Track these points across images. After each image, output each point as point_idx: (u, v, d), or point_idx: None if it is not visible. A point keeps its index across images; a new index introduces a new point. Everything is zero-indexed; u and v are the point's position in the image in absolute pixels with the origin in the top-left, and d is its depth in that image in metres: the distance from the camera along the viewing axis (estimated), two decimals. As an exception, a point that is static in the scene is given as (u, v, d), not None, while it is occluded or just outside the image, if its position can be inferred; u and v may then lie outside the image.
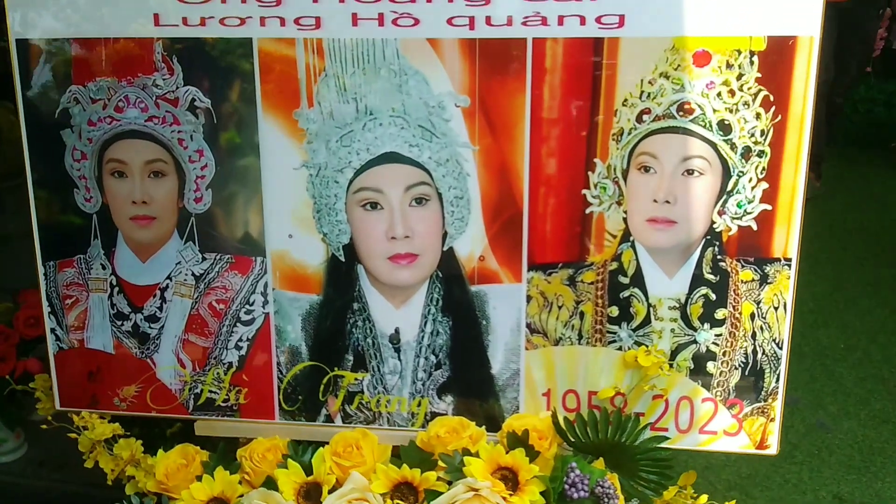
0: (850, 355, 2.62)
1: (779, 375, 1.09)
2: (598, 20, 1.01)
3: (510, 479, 1.07)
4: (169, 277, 1.18)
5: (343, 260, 1.15)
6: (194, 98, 1.11)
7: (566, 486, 1.04)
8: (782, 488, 2.08)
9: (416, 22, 1.04)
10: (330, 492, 1.08)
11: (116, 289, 1.20)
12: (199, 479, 1.13)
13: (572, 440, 1.10)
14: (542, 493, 1.05)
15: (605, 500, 1.03)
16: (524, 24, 1.02)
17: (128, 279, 1.20)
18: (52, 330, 1.22)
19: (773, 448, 1.13)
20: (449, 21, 1.03)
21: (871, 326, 2.76)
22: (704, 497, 1.14)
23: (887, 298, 2.93)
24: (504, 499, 1.04)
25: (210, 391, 1.21)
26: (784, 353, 1.09)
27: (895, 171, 4.25)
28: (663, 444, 1.09)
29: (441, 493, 1.05)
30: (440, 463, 1.08)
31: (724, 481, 2.10)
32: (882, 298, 2.92)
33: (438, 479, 1.07)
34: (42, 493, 2.11)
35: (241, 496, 1.10)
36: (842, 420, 2.33)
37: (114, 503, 1.20)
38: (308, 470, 1.11)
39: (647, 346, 1.11)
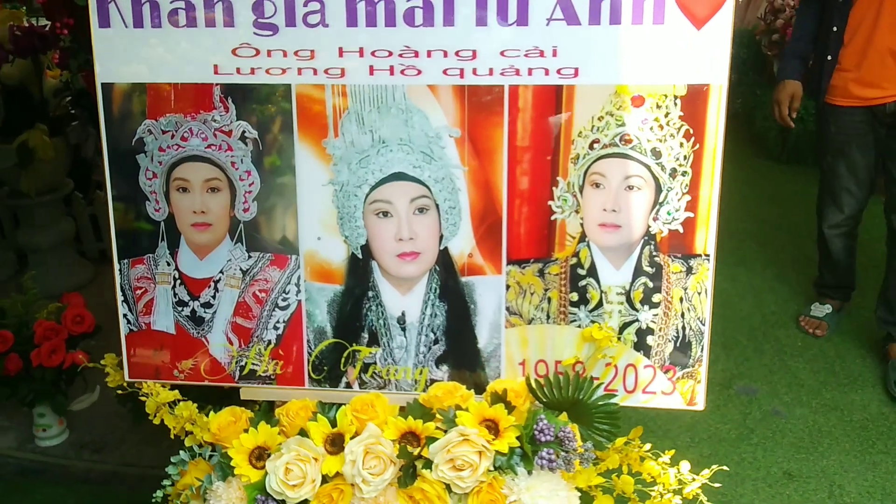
0: (806, 352, 2.86)
1: (703, 346, 1.38)
2: (558, 72, 1.30)
3: (493, 427, 1.33)
4: (221, 272, 1.46)
5: (360, 257, 1.43)
6: (245, 130, 1.40)
7: (535, 432, 1.31)
8: (739, 465, 2.34)
9: (419, 72, 1.33)
10: (351, 439, 1.36)
11: (178, 281, 1.47)
12: (245, 431, 1.41)
13: (542, 398, 1.37)
14: (517, 438, 1.33)
15: (566, 442, 1.31)
16: (502, 74, 1.31)
17: (188, 273, 1.47)
18: (125, 315, 1.50)
19: (700, 404, 1.41)
20: (444, 72, 1.32)
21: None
22: (647, 445, 1.42)
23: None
24: (488, 442, 1.32)
25: (253, 364, 1.49)
26: (706, 329, 1.37)
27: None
28: (613, 401, 1.37)
29: (438, 439, 1.33)
30: (437, 416, 1.36)
31: (688, 460, 2.37)
32: (840, 302, 3.19)
33: (437, 428, 1.34)
34: (82, 472, 2.36)
35: (281, 444, 1.38)
36: (795, 408, 2.58)
37: (169, 468, 1.46)
38: (333, 423, 1.38)
39: (600, 324, 1.39)
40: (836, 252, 2.82)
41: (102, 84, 1.41)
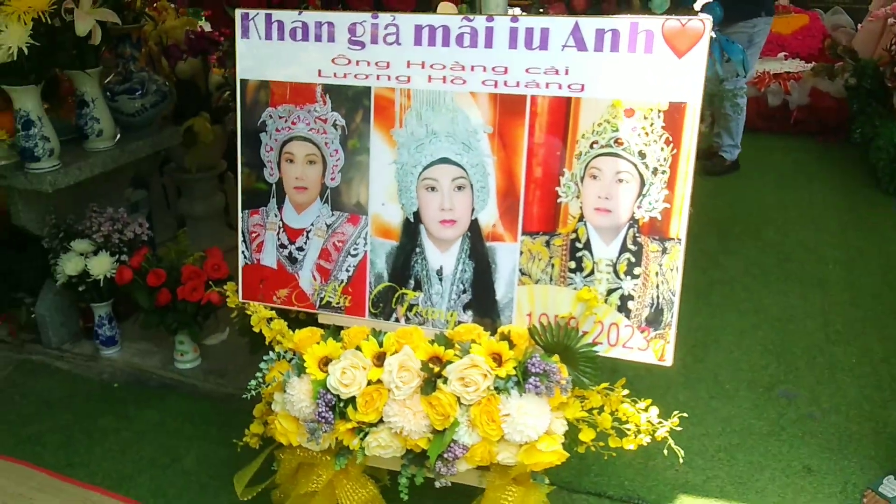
0: (859, 369, 2.92)
1: (673, 313, 1.69)
2: (569, 86, 1.67)
3: (497, 359, 1.72)
4: (312, 224, 1.92)
5: (412, 221, 1.84)
6: (336, 119, 1.86)
7: (529, 365, 1.68)
8: (763, 456, 2.53)
9: (464, 82, 1.73)
10: (391, 356, 1.78)
11: (281, 229, 1.96)
12: (318, 344, 1.87)
13: (538, 341, 1.74)
14: (514, 368, 1.70)
15: (551, 375, 1.66)
16: (526, 86, 1.69)
17: (289, 224, 1.94)
18: (242, 252, 2.01)
19: (668, 361, 1.71)
20: (483, 83, 1.72)
21: (889, 349, 3.02)
22: (624, 391, 1.74)
23: (913, 325, 3.24)
24: (491, 368, 1.70)
25: (329, 297, 1.95)
26: (676, 300, 1.68)
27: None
28: (597, 351, 1.72)
29: (454, 362, 1.73)
30: (457, 346, 1.76)
31: (716, 445, 2.59)
32: (910, 325, 3.23)
33: (455, 355, 1.74)
34: (208, 391, 2.91)
35: (341, 355, 1.82)
36: (831, 415, 2.69)
37: (261, 364, 1.94)
38: (380, 345, 1.82)
39: (590, 288, 1.73)
40: None
41: (240, 80, 1.93)
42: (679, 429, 1.72)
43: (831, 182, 4.98)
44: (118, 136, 3.12)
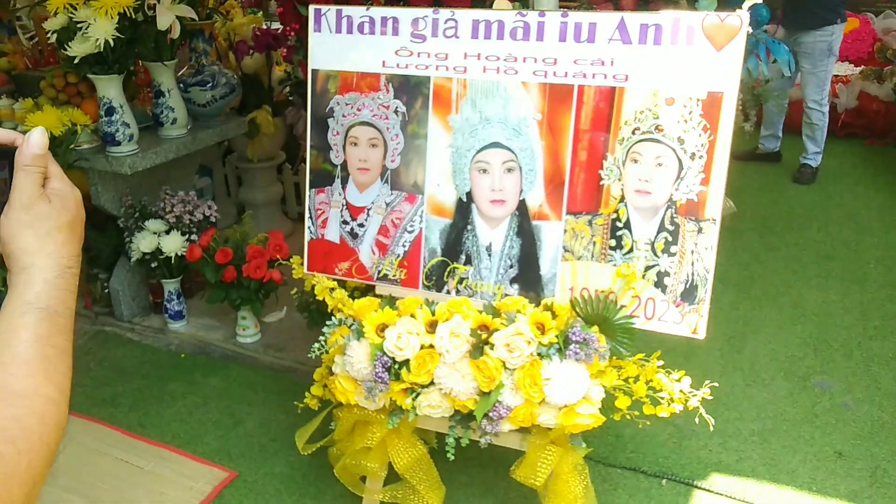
0: (895, 363, 3.05)
1: (706, 289, 1.81)
2: (614, 77, 1.80)
3: (541, 328, 1.87)
4: (372, 203, 2.10)
5: (465, 201, 2.00)
6: (398, 106, 2.03)
7: (570, 333, 1.82)
8: (796, 441, 2.63)
9: (516, 72, 1.88)
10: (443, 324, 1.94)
11: (345, 207, 2.13)
12: (375, 312, 2.03)
13: (579, 313, 1.88)
14: (556, 336, 1.85)
15: (590, 343, 1.80)
16: (574, 76, 1.83)
17: (351, 202, 2.12)
18: (308, 227, 2.19)
19: (700, 334, 1.83)
20: (533, 73, 1.87)
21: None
22: (660, 361, 1.87)
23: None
24: (534, 336, 1.85)
25: (386, 270, 2.12)
26: (710, 277, 1.81)
27: None
28: (635, 324, 1.84)
29: (501, 330, 1.88)
30: (503, 316, 1.91)
31: (749, 429, 2.70)
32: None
33: (501, 323, 1.89)
34: (267, 363, 3.13)
35: (397, 322, 1.99)
36: (864, 404, 2.79)
37: (324, 329, 2.12)
38: (433, 313, 1.98)
39: (629, 265, 1.87)
40: None
41: (312, 70, 2.11)
42: (710, 398, 1.83)
43: (876, 184, 5.00)
44: (190, 124, 3.36)
